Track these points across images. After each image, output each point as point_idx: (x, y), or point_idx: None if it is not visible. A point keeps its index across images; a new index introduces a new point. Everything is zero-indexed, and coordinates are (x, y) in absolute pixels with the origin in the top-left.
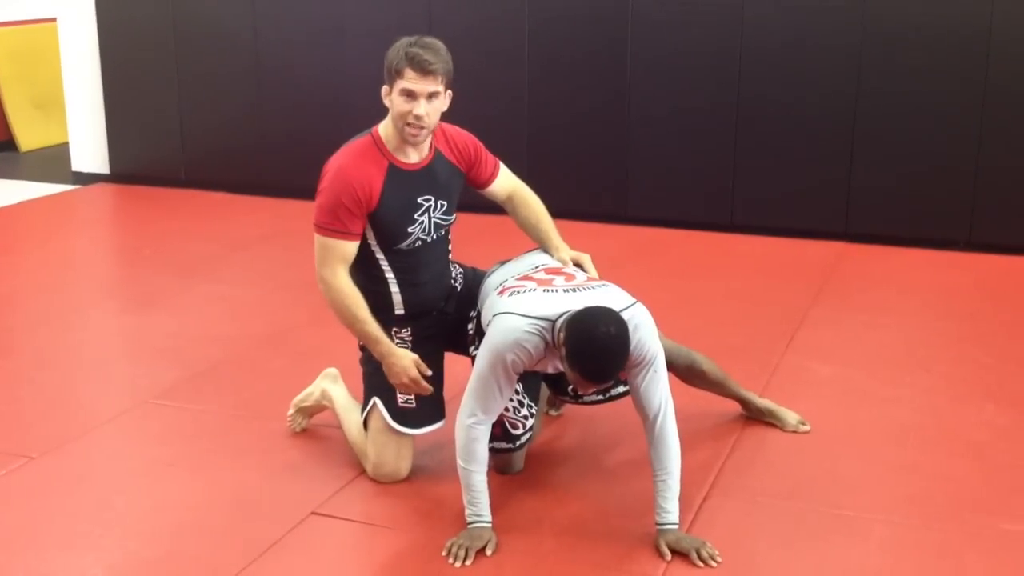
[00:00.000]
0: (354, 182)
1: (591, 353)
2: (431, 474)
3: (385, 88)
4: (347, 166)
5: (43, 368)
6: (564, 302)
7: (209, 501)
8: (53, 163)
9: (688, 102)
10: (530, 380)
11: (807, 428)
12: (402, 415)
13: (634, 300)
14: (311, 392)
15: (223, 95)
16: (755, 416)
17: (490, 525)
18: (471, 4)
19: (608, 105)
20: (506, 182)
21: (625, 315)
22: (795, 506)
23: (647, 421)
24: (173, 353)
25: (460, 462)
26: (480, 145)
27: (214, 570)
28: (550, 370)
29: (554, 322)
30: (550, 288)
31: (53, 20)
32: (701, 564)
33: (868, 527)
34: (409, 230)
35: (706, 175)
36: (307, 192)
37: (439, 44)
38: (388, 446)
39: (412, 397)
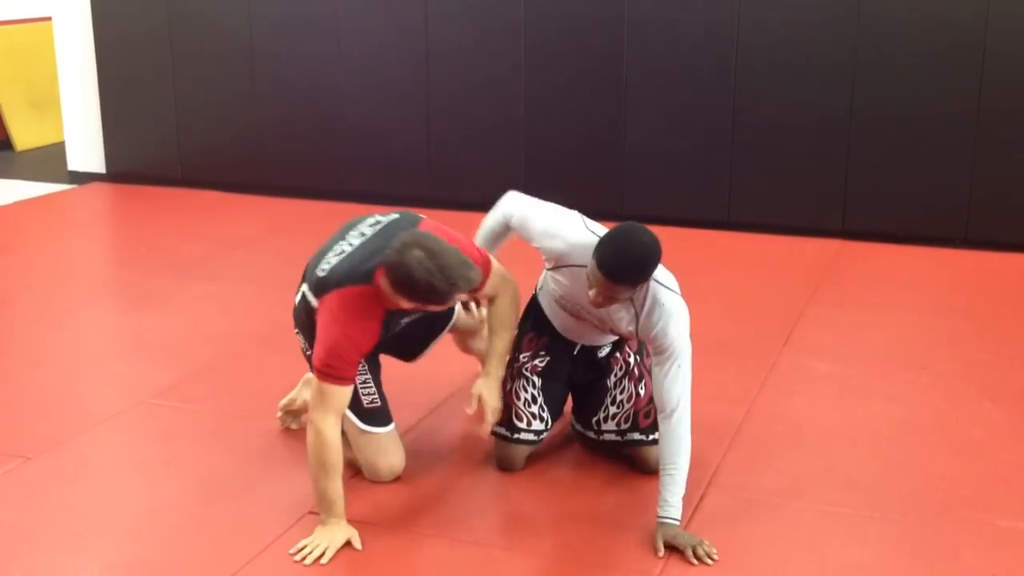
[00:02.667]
0: (360, 343)
1: (616, 246)
2: (426, 472)
3: (396, 294)
4: (352, 331)
5: (39, 368)
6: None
7: (205, 500)
8: (49, 162)
9: (684, 99)
10: (553, 389)
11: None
12: (370, 415)
13: (679, 292)
14: (294, 398)
15: (219, 94)
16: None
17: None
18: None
19: (604, 102)
20: (490, 289)
21: (670, 297)
22: (792, 504)
23: (663, 414)
24: (169, 352)
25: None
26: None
27: (210, 569)
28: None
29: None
30: None
31: (48, 19)
32: (696, 562)
33: (865, 525)
34: (389, 336)
35: (703, 172)
36: (302, 191)
37: (455, 257)
38: (371, 447)
39: (376, 396)
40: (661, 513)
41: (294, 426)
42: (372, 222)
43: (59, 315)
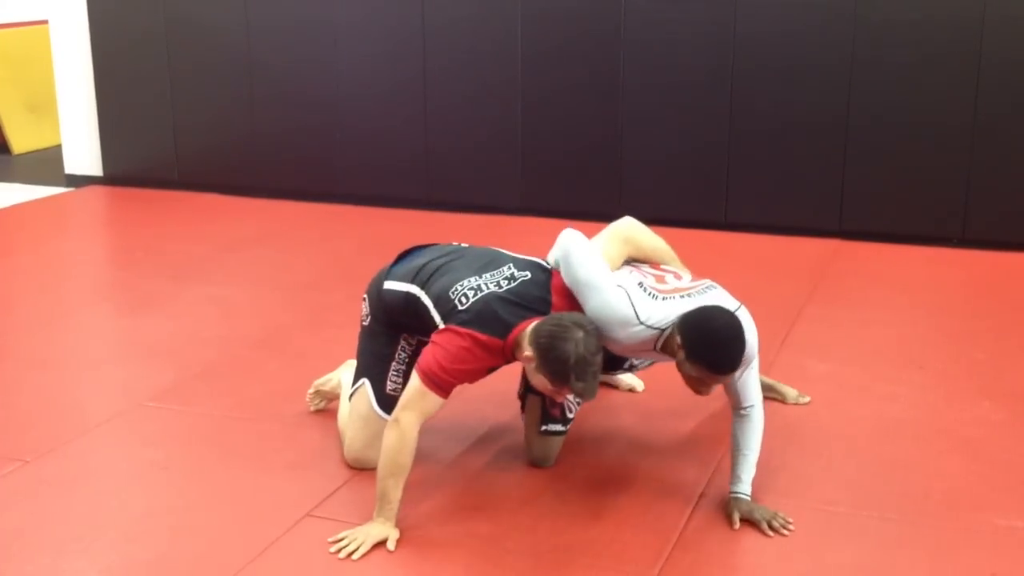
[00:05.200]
0: (470, 376)
1: (713, 344)
2: (425, 476)
3: (533, 359)
4: (471, 366)
5: (37, 371)
6: (677, 308)
7: (204, 503)
8: (46, 166)
9: (681, 100)
10: None
11: (807, 400)
12: (388, 402)
13: (739, 303)
14: (331, 378)
15: (216, 97)
16: None
17: None
18: (464, 1)
19: (601, 103)
20: None
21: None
22: (790, 503)
23: (740, 408)
24: (167, 355)
25: None
26: None
27: (209, 573)
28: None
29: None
30: (668, 295)
31: (45, 22)
32: (772, 534)
33: (863, 524)
34: None
35: (700, 173)
36: (300, 194)
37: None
38: (362, 432)
39: (399, 385)
40: (733, 488)
41: (313, 408)
42: (508, 275)
43: (56, 318)
